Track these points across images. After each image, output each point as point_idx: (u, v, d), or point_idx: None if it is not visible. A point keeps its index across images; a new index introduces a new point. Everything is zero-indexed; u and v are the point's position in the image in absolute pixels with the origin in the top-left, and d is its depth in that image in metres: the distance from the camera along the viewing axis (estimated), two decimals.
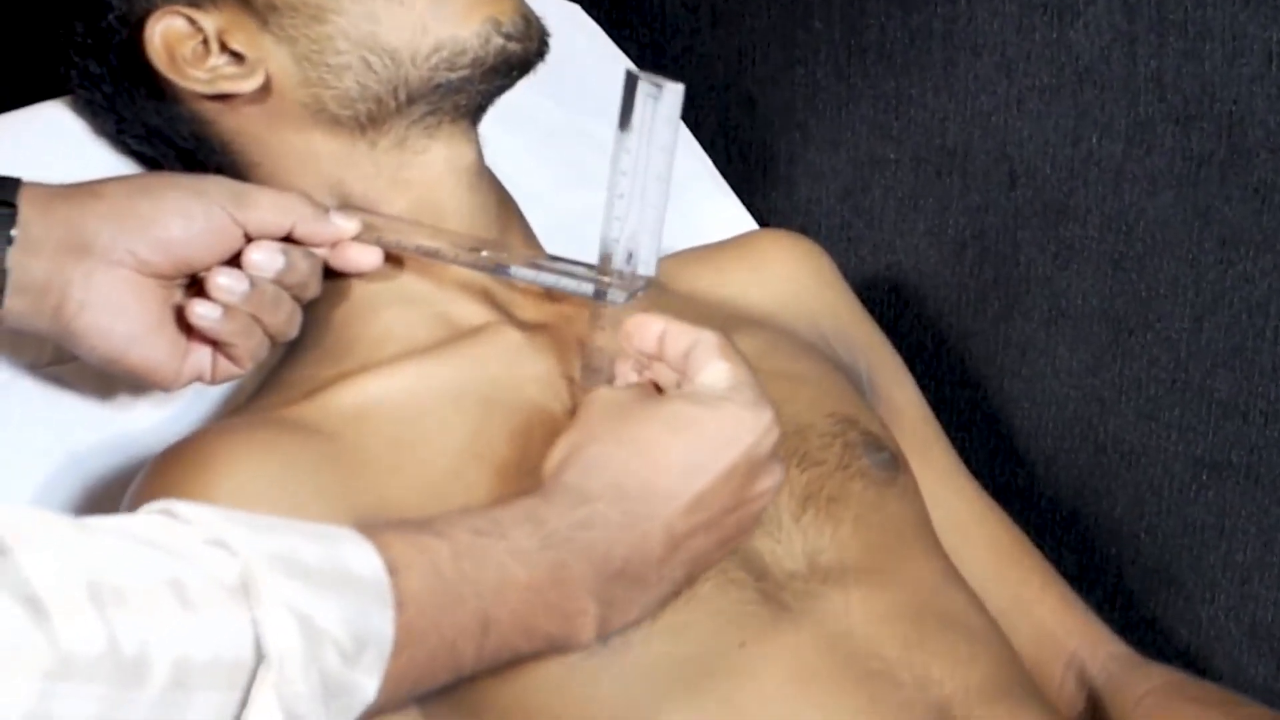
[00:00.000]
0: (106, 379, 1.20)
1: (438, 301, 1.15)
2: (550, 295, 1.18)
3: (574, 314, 1.17)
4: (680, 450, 0.95)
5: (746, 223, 1.54)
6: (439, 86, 1.13)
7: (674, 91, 1.04)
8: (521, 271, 1.12)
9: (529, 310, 1.17)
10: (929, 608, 1.11)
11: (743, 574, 1.06)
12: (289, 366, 1.15)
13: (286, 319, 1.10)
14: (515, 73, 1.16)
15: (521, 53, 1.15)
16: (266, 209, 1.09)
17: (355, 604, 0.78)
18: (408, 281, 1.15)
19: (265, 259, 1.08)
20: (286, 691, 0.74)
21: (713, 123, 1.58)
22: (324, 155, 1.15)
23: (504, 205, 1.19)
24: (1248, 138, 1.27)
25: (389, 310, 1.15)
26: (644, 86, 1.04)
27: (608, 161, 1.49)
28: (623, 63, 1.56)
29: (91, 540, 0.73)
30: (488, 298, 1.16)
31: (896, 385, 1.31)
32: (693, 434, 0.95)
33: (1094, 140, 1.36)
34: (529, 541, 0.88)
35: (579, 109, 1.51)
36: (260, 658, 0.74)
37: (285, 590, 0.75)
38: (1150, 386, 1.38)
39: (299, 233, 1.10)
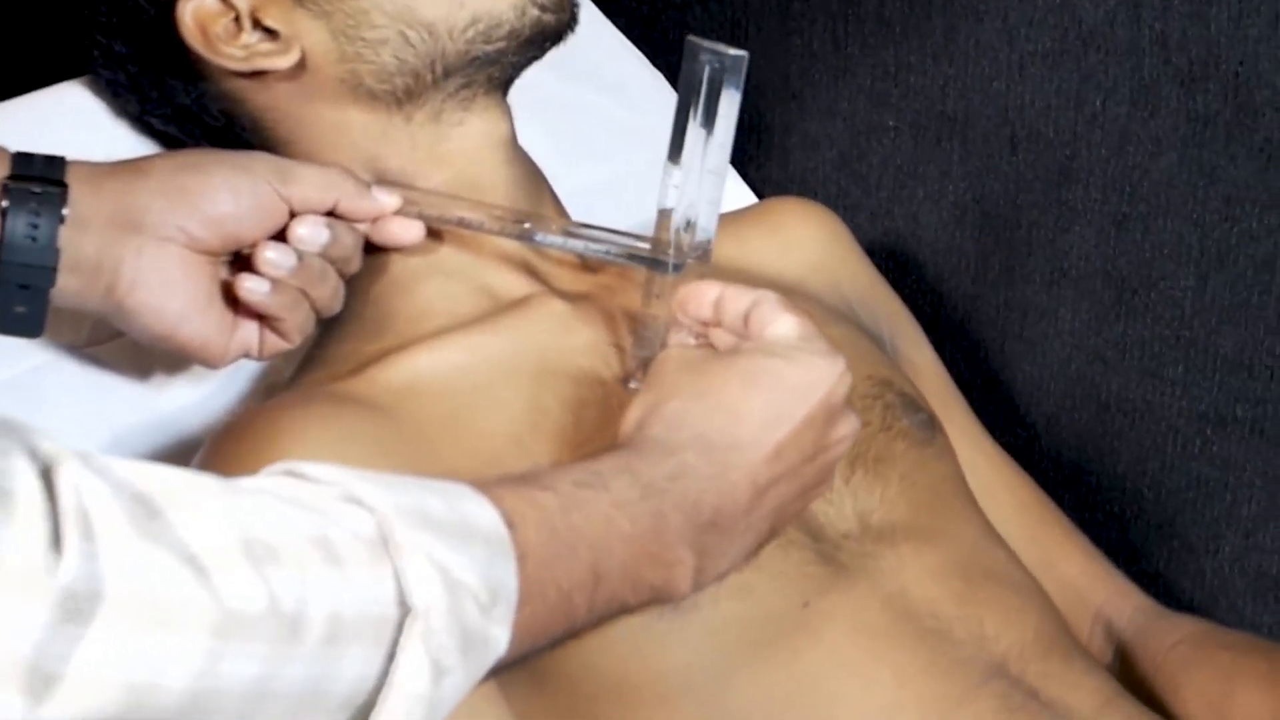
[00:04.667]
0: (144, 358, 1.20)
1: (478, 274, 1.16)
2: (588, 266, 1.19)
3: (614, 284, 1.17)
4: (761, 401, 0.96)
5: (743, 192, 1.55)
6: (475, 59, 1.14)
7: (738, 59, 1.05)
8: (573, 242, 1.13)
9: (568, 281, 1.18)
10: (975, 564, 1.13)
11: (801, 535, 1.08)
12: (331, 342, 1.15)
13: (332, 293, 1.11)
14: (548, 43, 1.17)
15: (555, 23, 1.16)
16: (310, 185, 1.09)
17: (484, 556, 0.78)
18: (447, 255, 1.16)
19: (311, 233, 1.08)
20: (433, 644, 0.74)
21: None
22: (359, 131, 1.15)
23: (536, 178, 1.20)
24: (1254, 98, 1.30)
25: (429, 284, 1.15)
26: (706, 56, 1.04)
27: (612, 136, 1.52)
28: (616, 36, 1.57)
29: (239, 499, 0.73)
30: (527, 269, 1.17)
31: (916, 348, 1.33)
32: (772, 385, 0.96)
33: (1098, 103, 1.38)
34: (630, 493, 0.88)
35: (577, 85, 1.51)
36: (404, 612, 0.74)
37: (423, 543, 0.75)
38: (1154, 344, 1.41)
39: (342, 208, 1.10)
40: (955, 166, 1.48)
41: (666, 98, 1.55)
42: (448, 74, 1.14)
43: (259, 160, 1.09)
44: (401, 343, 1.12)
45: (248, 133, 1.17)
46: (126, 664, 0.67)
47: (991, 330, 1.49)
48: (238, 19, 1.13)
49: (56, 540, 0.66)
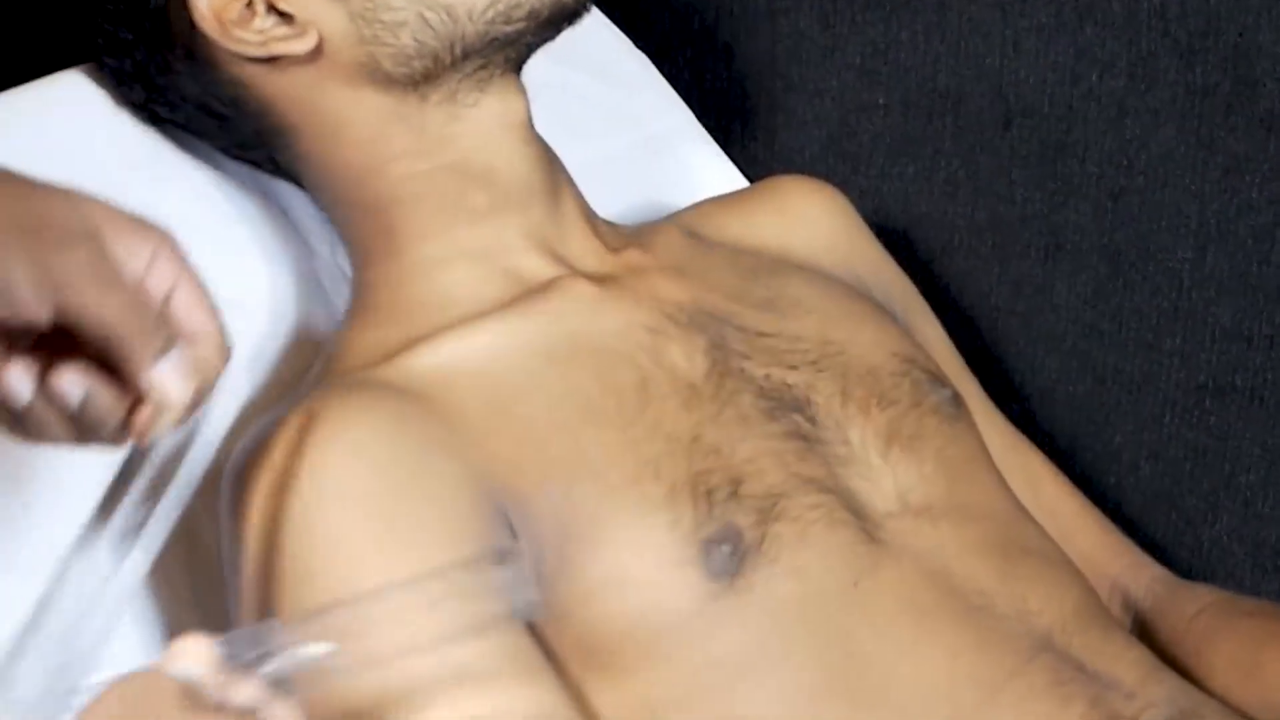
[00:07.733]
0: None
1: (501, 257, 1.14)
2: (611, 246, 1.18)
3: (638, 263, 1.17)
4: None
5: (730, 173, 1.54)
6: (494, 41, 1.12)
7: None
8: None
9: (592, 262, 1.16)
10: (1011, 539, 1.13)
11: (846, 514, 1.07)
12: (352, 330, 1.14)
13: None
14: (565, 23, 1.15)
15: (574, 3, 1.14)
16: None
17: None
18: (466, 238, 1.14)
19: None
20: None
21: (687, 75, 1.58)
22: (371, 114, 1.13)
23: (552, 158, 1.18)
24: (1254, 68, 1.31)
25: (451, 269, 1.13)
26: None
27: (593, 115, 1.50)
28: (595, 14, 1.55)
29: None
30: (549, 251, 1.15)
31: (927, 324, 1.32)
32: None
33: (1094, 78, 1.38)
34: None
35: (556, 64, 1.50)
36: None
37: None
38: (1151, 316, 1.41)
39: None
40: (947, 143, 1.48)
41: (649, 77, 1.55)
42: (466, 56, 1.12)
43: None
44: (428, 330, 1.10)
45: (254, 119, 1.15)
46: None
47: (986, 306, 1.49)
48: (251, 3, 1.11)
49: None
